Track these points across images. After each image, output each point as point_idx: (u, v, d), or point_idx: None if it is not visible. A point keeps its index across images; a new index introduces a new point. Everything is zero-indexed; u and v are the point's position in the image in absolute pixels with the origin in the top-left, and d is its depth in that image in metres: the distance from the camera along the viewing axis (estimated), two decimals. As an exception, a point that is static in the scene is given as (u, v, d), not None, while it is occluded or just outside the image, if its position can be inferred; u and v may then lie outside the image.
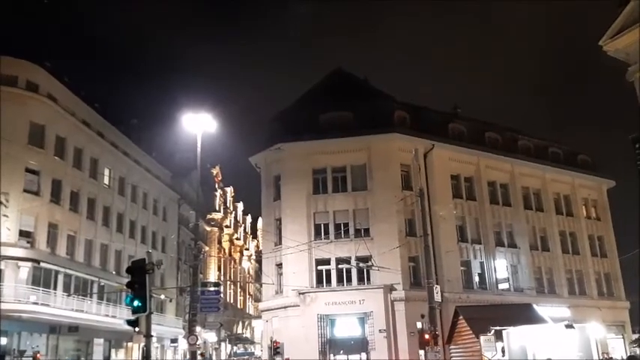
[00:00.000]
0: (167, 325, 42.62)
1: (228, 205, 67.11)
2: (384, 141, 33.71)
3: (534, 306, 30.43)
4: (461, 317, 26.57)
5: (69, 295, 31.12)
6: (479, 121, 40.77)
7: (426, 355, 20.82)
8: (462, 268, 34.13)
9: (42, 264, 29.99)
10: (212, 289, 24.83)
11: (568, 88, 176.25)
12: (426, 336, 20.70)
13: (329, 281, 31.89)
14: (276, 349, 28.99)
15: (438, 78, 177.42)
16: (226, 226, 64.13)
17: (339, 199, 33.22)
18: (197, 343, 21.19)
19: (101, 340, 34.87)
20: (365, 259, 30.15)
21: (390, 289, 30.60)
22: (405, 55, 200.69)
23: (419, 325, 28.25)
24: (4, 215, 28.42)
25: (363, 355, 30.45)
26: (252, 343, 65.71)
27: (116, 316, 34.13)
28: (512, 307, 30.11)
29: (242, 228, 74.74)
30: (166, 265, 43.62)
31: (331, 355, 30.68)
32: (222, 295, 30.83)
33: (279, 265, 33.33)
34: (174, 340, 42.82)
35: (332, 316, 31.26)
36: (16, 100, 29.82)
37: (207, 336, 47.98)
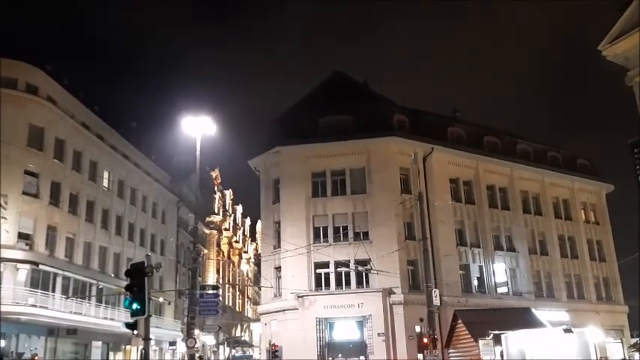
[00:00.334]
0: (165, 328, 42.47)
1: (227, 207, 67.07)
2: (383, 144, 33.78)
3: (533, 310, 30.34)
4: (459, 321, 26.53)
5: (67, 298, 31.13)
6: (478, 125, 40.88)
7: (424, 359, 20.85)
8: (460, 271, 34.18)
9: (41, 266, 29.98)
10: (211, 291, 24.88)
11: (568, 88, 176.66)
12: (425, 340, 20.80)
13: (328, 284, 31.89)
14: (274, 353, 29.02)
15: (437, 78, 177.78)
16: (225, 229, 64.13)
17: (338, 202, 33.26)
18: (195, 346, 21.18)
19: (99, 343, 34.84)
20: (364, 263, 30.21)
21: (388, 292, 30.63)
22: (404, 55, 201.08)
23: (417, 328, 28.32)
24: (3, 217, 28.40)
25: (362, 359, 30.42)
26: (251, 346, 65.60)
27: (115, 319, 33.95)
28: (511, 311, 30.04)
29: (241, 231, 74.74)
30: (165, 267, 43.46)
31: (330, 358, 30.64)
32: (220, 298, 30.87)
33: (278, 268, 33.33)
34: (172, 343, 42.86)
35: (331, 319, 31.26)
36: (16, 103, 29.85)
37: (205, 339, 47.91)
